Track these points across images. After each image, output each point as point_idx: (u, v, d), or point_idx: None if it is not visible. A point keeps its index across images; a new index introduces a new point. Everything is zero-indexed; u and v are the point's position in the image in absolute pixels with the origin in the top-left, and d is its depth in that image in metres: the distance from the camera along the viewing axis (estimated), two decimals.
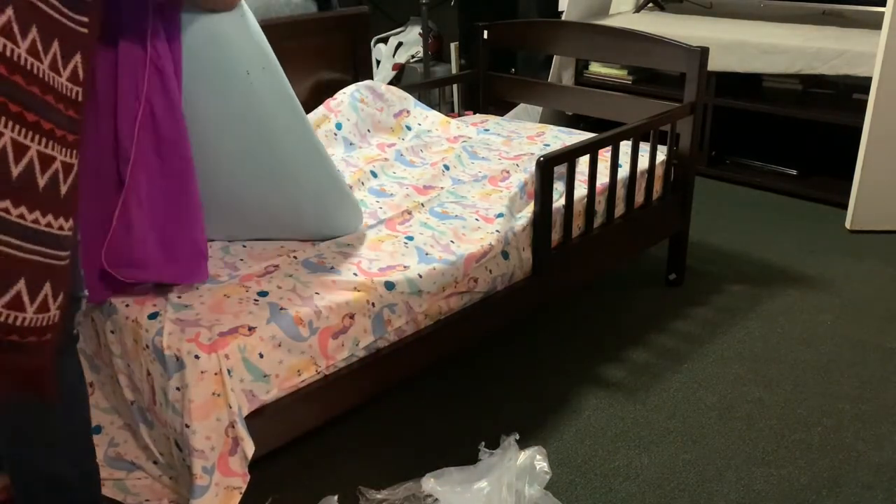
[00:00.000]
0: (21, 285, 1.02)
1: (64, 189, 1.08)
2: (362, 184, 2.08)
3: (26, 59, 0.98)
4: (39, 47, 1.00)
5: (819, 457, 1.79)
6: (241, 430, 1.41)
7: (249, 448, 1.42)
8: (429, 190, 2.07)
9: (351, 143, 2.31)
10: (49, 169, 1.04)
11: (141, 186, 1.43)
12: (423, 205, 1.95)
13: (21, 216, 1.01)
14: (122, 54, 1.40)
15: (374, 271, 1.66)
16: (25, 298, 1.04)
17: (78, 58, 1.06)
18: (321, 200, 1.68)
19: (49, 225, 1.05)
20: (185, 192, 1.47)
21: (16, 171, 1.00)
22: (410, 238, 1.81)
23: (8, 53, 0.96)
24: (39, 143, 1.02)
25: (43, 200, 1.04)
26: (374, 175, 2.15)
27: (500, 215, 1.90)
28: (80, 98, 1.08)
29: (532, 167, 2.21)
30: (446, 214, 1.92)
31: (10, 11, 0.95)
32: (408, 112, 2.51)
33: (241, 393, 1.42)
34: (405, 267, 1.70)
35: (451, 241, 1.78)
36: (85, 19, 1.06)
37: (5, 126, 0.98)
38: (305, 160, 1.60)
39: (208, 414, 1.38)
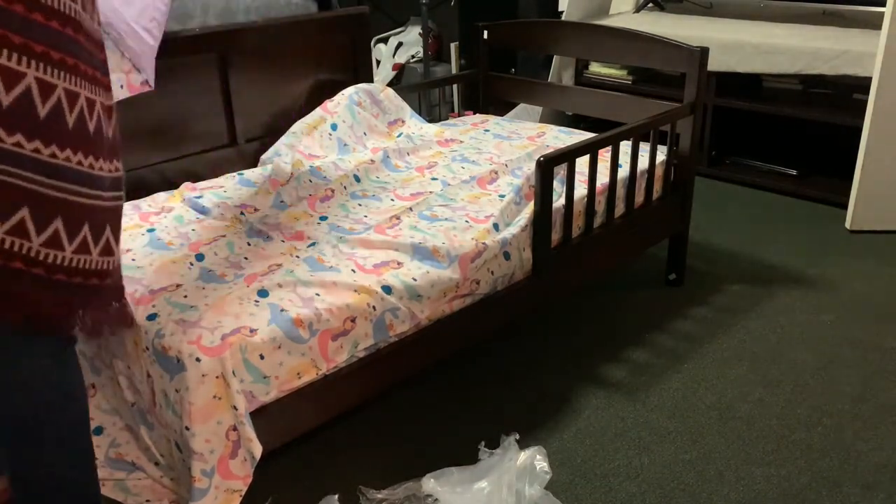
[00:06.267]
0: (85, 229, 1.09)
1: (94, 126, 1.12)
2: (344, 188, 2.09)
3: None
4: None
5: (819, 457, 1.79)
6: (250, 431, 1.41)
7: (257, 449, 1.42)
8: (416, 196, 2.07)
9: (345, 145, 2.31)
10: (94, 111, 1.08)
11: None
12: (411, 209, 1.95)
13: (67, 159, 1.05)
14: None
15: (368, 268, 1.67)
16: (90, 241, 1.11)
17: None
18: None
19: (90, 166, 1.10)
20: None
21: (71, 119, 1.05)
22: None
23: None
24: (86, 90, 1.07)
25: (88, 142, 1.08)
26: (357, 180, 2.15)
27: (495, 225, 1.89)
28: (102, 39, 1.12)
29: (522, 170, 2.21)
30: (435, 217, 1.92)
31: None
32: (403, 122, 2.51)
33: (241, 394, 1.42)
34: (399, 263, 1.70)
35: (443, 243, 1.77)
36: None
37: (57, 77, 1.02)
38: None
39: (208, 417, 1.38)
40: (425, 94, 3.89)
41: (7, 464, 1.30)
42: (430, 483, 1.60)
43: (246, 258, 1.71)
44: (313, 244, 1.78)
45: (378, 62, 4.35)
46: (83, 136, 1.08)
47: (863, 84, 2.90)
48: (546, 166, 1.86)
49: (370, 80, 2.62)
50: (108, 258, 1.15)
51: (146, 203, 1.98)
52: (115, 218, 1.17)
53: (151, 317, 1.46)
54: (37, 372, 1.20)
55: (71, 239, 1.08)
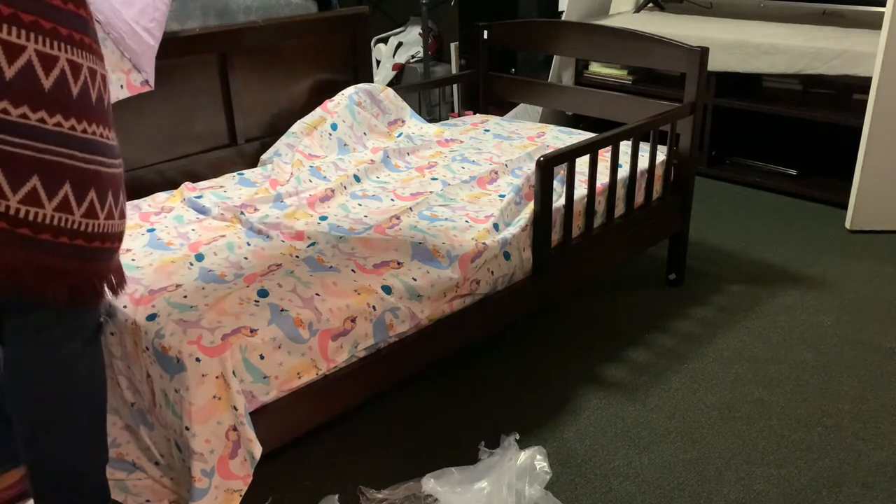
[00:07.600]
0: (92, 193, 1.12)
1: (106, 97, 1.16)
2: (344, 188, 2.09)
3: None
4: None
5: (819, 457, 1.79)
6: (250, 432, 1.41)
7: (257, 450, 1.42)
8: (416, 196, 2.06)
9: (345, 145, 2.31)
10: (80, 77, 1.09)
11: None
12: (411, 209, 1.95)
13: (73, 128, 1.08)
14: None
15: (368, 268, 1.67)
16: (114, 207, 1.16)
17: None
18: None
19: (96, 133, 1.13)
20: None
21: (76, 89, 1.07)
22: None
23: None
24: (68, 52, 1.08)
25: (86, 111, 1.11)
26: (358, 179, 2.15)
27: (495, 225, 1.89)
28: None
29: (522, 170, 2.21)
30: (436, 217, 1.92)
31: None
32: (402, 122, 2.51)
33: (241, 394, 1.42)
34: (399, 264, 1.70)
35: (443, 243, 1.77)
36: None
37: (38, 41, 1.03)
38: None
39: (208, 417, 1.38)
40: (425, 94, 3.90)
41: (26, 454, 1.31)
42: (430, 483, 1.60)
43: (246, 258, 1.71)
44: (313, 244, 1.78)
45: (378, 62, 4.34)
46: (100, 109, 1.12)
47: (863, 84, 2.90)
48: (546, 166, 1.86)
49: (370, 80, 2.62)
50: (124, 220, 1.22)
51: (146, 203, 1.98)
52: (122, 182, 1.23)
53: (151, 317, 1.46)
54: (74, 354, 1.25)
55: (102, 207, 1.14)
